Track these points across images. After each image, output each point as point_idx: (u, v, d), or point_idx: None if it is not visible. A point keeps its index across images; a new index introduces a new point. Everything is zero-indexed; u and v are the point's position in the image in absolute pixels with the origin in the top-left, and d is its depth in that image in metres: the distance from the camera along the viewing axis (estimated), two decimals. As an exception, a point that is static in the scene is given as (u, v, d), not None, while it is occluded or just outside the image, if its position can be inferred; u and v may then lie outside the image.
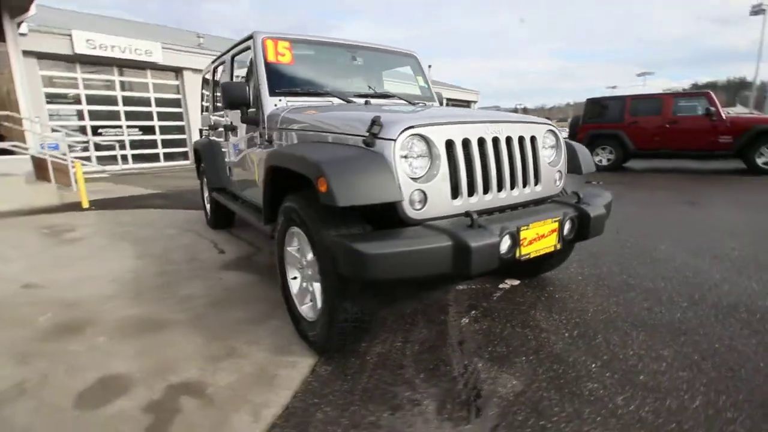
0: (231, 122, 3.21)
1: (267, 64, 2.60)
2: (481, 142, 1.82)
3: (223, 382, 1.74)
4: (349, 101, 2.68)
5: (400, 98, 2.97)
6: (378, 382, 1.71)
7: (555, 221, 1.84)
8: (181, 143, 15.31)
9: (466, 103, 28.00)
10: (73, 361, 1.93)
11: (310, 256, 1.88)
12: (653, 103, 8.64)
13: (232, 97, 2.51)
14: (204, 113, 4.57)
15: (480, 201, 1.82)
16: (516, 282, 2.73)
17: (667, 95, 8.76)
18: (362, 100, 2.72)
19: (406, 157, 1.63)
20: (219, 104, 3.87)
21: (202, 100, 4.65)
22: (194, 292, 2.72)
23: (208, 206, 4.51)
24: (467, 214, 1.62)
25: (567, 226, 1.90)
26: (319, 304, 1.83)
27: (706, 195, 5.88)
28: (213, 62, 3.89)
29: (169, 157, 14.97)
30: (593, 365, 1.80)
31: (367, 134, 1.66)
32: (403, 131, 1.63)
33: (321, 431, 1.45)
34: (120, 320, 2.34)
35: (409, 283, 2.67)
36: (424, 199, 1.66)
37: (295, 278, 2.12)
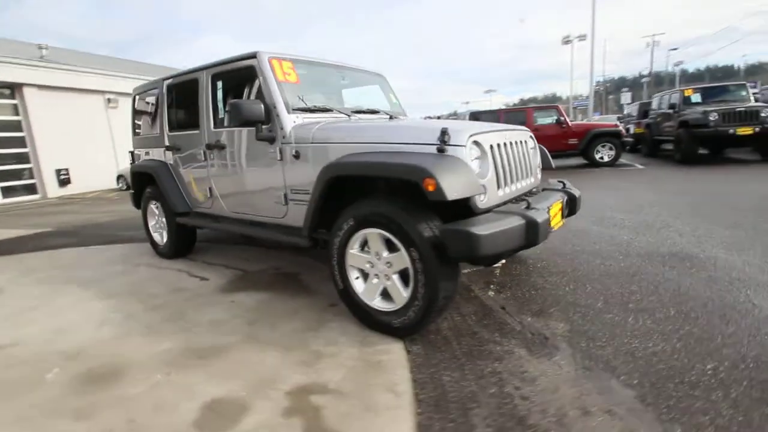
0: (219, 140, 3.12)
1: (278, 83, 2.71)
2: (505, 145, 2.34)
3: (338, 377, 1.87)
4: (351, 116, 2.94)
5: (386, 113, 3.33)
6: (469, 347, 2.05)
7: (560, 202, 2.45)
8: (24, 174, 12.74)
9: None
10: (147, 401, 1.79)
11: (386, 253, 2.12)
12: (520, 115, 10.56)
13: (249, 114, 2.55)
14: (142, 134, 4.17)
15: (511, 191, 2.33)
16: (502, 261, 3.33)
17: (530, 108, 10.83)
18: (361, 116, 3.00)
19: (473, 159, 2.04)
20: (174, 124, 3.66)
21: (137, 119, 4.23)
22: (219, 317, 2.62)
23: (159, 235, 4.11)
24: (524, 199, 2.11)
25: (564, 206, 2.54)
26: (405, 292, 2.08)
27: (576, 183, 7.55)
28: (165, 79, 3.65)
29: (8, 191, 12.30)
30: (598, 304, 2.45)
31: (439, 143, 2.01)
32: (468, 138, 2.04)
33: (458, 389, 1.73)
34: (160, 355, 2.18)
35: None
36: (485, 191, 2.09)
37: (357, 278, 2.31)
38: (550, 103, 13.09)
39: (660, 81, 54.45)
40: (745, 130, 8.07)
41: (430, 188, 1.81)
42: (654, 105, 11.56)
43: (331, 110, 2.92)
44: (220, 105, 3.22)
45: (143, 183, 4.14)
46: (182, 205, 3.65)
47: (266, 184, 2.85)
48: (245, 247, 4.39)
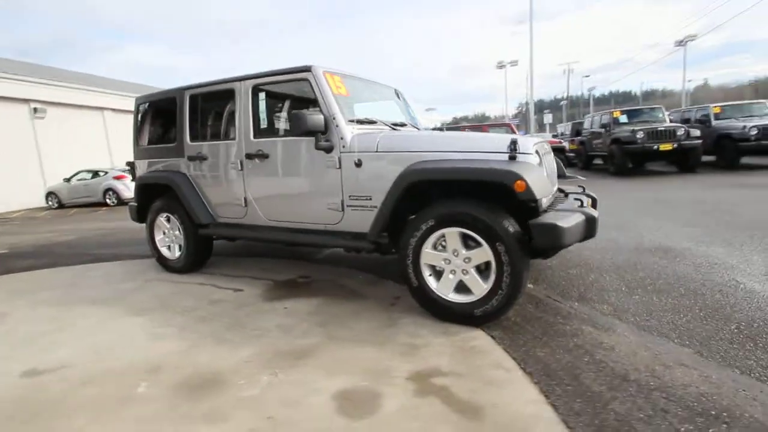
0: (260, 150, 3.15)
1: (335, 96, 2.85)
2: (545, 153, 2.71)
3: (445, 362, 2.04)
4: (394, 128, 3.16)
5: (412, 125, 3.59)
6: (542, 329, 2.34)
7: (590, 202, 2.87)
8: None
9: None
10: (272, 399, 1.83)
11: (464, 251, 2.36)
12: (477, 131, 11.41)
13: (312, 125, 2.68)
14: (148, 145, 4.00)
15: (553, 192, 2.70)
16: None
17: (485, 125, 11.73)
18: (399, 128, 3.24)
19: (536, 165, 2.37)
20: (199, 134, 3.60)
21: (141, 130, 4.04)
22: (284, 323, 2.64)
23: (168, 249, 3.92)
24: (577, 198, 2.47)
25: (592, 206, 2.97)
26: (485, 284, 2.32)
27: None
28: (186, 89, 3.58)
29: None
30: (623, 288, 2.88)
31: (510, 151, 2.31)
32: (533, 147, 2.37)
33: (556, 361, 2.00)
34: (250, 360, 2.18)
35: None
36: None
37: (430, 275, 2.51)
38: (500, 121, 14.30)
39: (574, 104, 60.89)
40: (666, 146, 9.51)
41: (521, 189, 2.10)
42: (586, 125, 13.10)
43: (376, 122, 3.12)
44: (262, 115, 3.25)
45: (150, 195, 3.95)
46: (205, 216, 3.56)
47: (319, 191, 2.94)
48: (257, 258, 4.33)
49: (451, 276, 2.45)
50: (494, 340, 2.25)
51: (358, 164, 2.75)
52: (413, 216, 2.58)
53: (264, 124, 3.37)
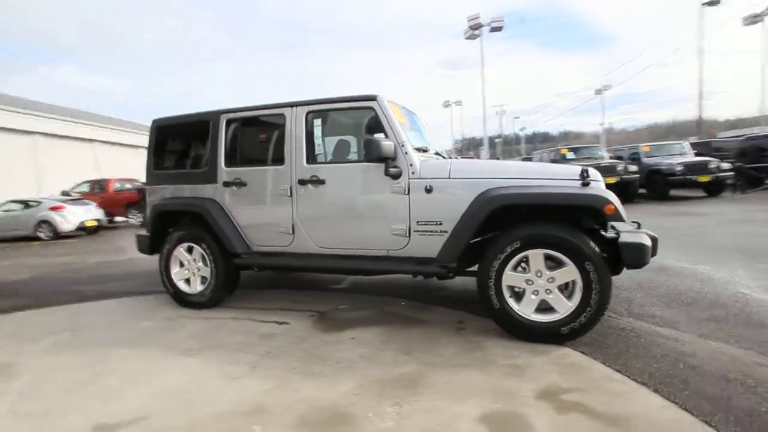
0: (315, 176, 3.09)
1: (401, 124, 2.93)
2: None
3: (559, 380, 2.10)
4: (439, 155, 3.30)
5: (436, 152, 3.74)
6: (624, 342, 2.49)
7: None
8: None
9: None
10: (414, 429, 1.77)
11: (547, 272, 2.49)
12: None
13: (385, 151, 2.73)
14: (167, 170, 3.72)
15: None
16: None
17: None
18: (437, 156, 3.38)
19: (603, 190, 2.62)
20: (237, 159, 3.45)
21: (158, 153, 3.76)
22: (361, 353, 2.54)
23: (185, 283, 3.59)
24: (635, 221, 2.73)
25: None
26: (570, 302, 2.45)
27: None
28: (222, 113, 3.43)
29: None
30: (658, 302, 3.17)
31: (582, 178, 2.54)
32: (598, 174, 2.62)
33: (659, 368, 2.15)
34: (356, 393, 2.07)
35: None
36: None
37: (510, 297, 2.59)
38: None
39: (507, 142, 66.31)
40: (610, 180, 10.69)
41: (610, 212, 2.31)
42: (535, 160, 14.36)
43: (427, 150, 3.23)
44: (317, 141, 3.21)
45: (167, 223, 3.63)
46: (240, 245, 3.35)
47: (384, 217, 2.94)
48: (271, 290, 4.10)
49: (533, 296, 2.55)
50: (586, 355, 2.37)
51: (429, 190, 2.82)
52: (477, 239, 2.67)
53: (319, 150, 3.33)
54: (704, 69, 22.55)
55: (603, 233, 2.58)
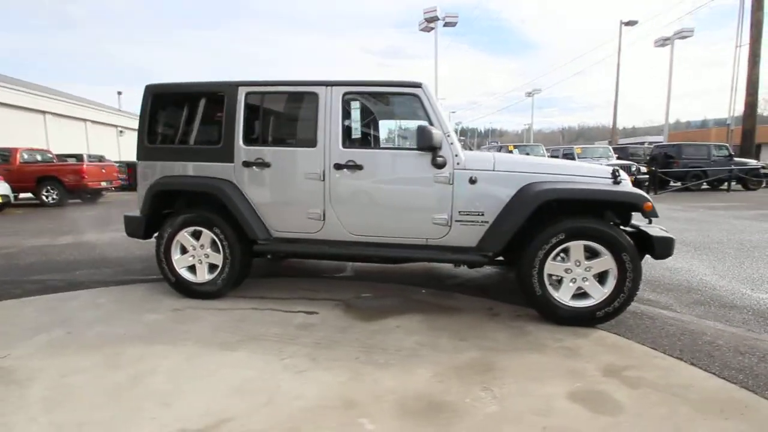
0: (352, 161, 2.97)
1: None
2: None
3: (613, 359, 2.32)
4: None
5: None
6: (646, 323, 2.82)
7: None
8: None
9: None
10: (513, 409, 1.86)
11: (585, 261, 2.71)
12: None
13: (436, 140, 2.74)
14: (168, 143, 3.30)
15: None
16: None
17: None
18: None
19: (630, 189, 2.90)
20: (260, 137, 3.19)
21: (154, 126, 3.31)
22: (418, 340, 2.56)
23: (189, 271, 3.26)
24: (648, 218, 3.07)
25: None
26: (604, 288, 2.70)
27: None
28: (240, 85, 3.12)
29: None
30: (666, 290, 3.62)
31: (614, 177, 2.80)
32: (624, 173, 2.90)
33: (680, 344, 2.48)
34: (439, 382, 2.10)
35: None
36: None
37: (549, 284, 2.78)
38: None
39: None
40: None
41: (648, 209, 2.58)
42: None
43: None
44: (355, 125, 3.07)
45: (165, 205, 3.25)
46: (261, 231, 3.13)
47: (424, 206, 2.94)
48: (271, 279, 3.90)
49: (571, 284, 2.77)
50: (622, 336, 2.64)
51: (473, 181, 2.88)
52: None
53: (356, 134, 3.18)
54: (609, 80, 25.42)
55: (623, 228, 2.87)
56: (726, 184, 13.00)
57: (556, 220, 2.73)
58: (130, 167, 3.41)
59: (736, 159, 13.23)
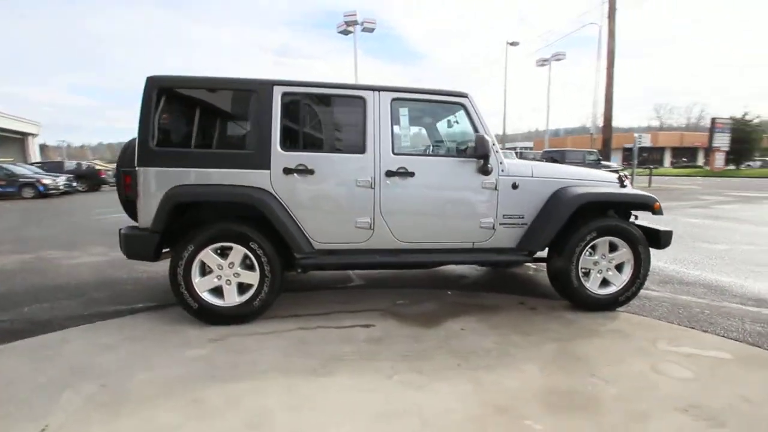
0: (404, 168, 2.92)
1: (484, 123, 3.11)
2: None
3: (654, 335, 2.76)
4: None
5: None
6: (656, 304, 3.36)
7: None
8: None
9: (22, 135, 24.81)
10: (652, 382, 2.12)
11: (609, 254, 3.15)
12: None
13: (489, 149, 2.91)
14: (181, 147, 2.80)
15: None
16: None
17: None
18: None
19: (629, 191, 3.45)
20: (300, 142, 2.93)
21: (161, 124, 2.77)
22: (496, 340, 2.67)
23: (213, 294, 2.83)
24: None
25: None
26: (623, 276, 3.16)
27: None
28: (276, 84, 2.81)
29: None
30: (666, 279, 4.31)
31: (621, 182, 3.32)
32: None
33: (693, 318, 3.05)
34: (548, 375, 2.25)
35: None
36: None
37: (582, 276, 3.15)
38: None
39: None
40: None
41: (657, 208, 3.11)
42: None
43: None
44: (404, 131, 3.00)
45: (181, 218, 2.77)
46: (306, 244, 2.88)
47: (474, 211, 3.07)
48: (291, 293, 3.61)
49: (598, 275, 3.18)
50: (645, 317, 3.12)
51: (515, 187, 3.11)
52: None
53: (406, 141, 3.11)
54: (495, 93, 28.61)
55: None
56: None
57: (587, 220, 3.11)
58: (127, 174, 2.64)
59: (603, 162, 16.22)
